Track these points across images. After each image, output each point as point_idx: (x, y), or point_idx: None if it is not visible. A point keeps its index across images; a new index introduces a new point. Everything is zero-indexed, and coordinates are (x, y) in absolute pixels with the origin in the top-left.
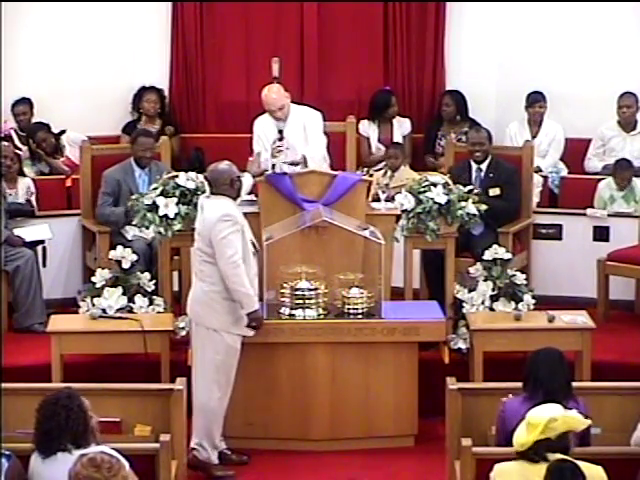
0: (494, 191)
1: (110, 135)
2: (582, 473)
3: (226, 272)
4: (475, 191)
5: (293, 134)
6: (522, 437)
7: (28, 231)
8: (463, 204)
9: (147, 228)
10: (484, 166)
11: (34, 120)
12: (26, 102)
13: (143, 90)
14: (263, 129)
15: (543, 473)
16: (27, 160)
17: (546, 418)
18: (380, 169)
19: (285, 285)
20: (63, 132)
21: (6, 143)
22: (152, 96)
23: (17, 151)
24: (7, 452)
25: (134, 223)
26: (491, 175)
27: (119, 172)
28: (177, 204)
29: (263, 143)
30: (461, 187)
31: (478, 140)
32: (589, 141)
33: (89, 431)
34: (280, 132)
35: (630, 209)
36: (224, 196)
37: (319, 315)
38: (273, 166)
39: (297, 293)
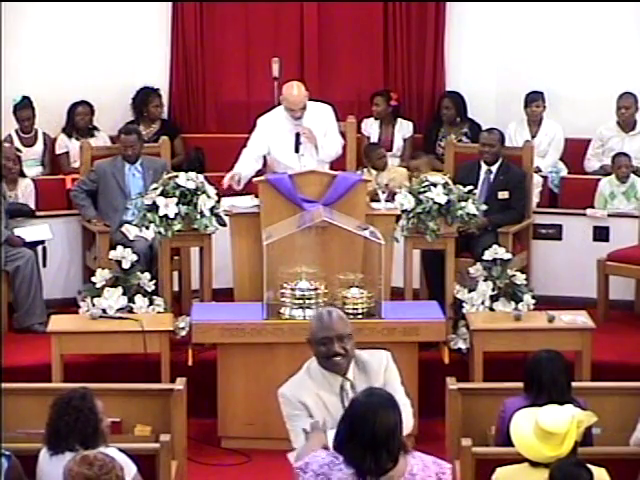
0: (503, 194)
1: (110, 135)
2: (587, 468)
3: None
4: (475, 193)
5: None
6: (544, 449)
7: (28, 231)
8: (463, 204)
9: (147, 228)
10: (494, 168)
11: (36, 123)
12: (29, 106)
13: (148, 94)
14: (272, 127)
15: (545, 476)
16: (29, 161)
17: (567, 424)
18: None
19: (285, 285)
20: (98, 130)
21: (8, 145)
22: (157, 100)
23: (18, 153)
24: (7, 452)
25: (134, 223)
26: (501, 178)
27: (109, 164)
28: (177, 204)
29: (267, 144)
30: (461, 187)
31: (488, 141)
32: (589, 141)
33: (98, 434)
34: (297, 135)
35: (630, 206)
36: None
37: None
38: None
39: (297, 293)
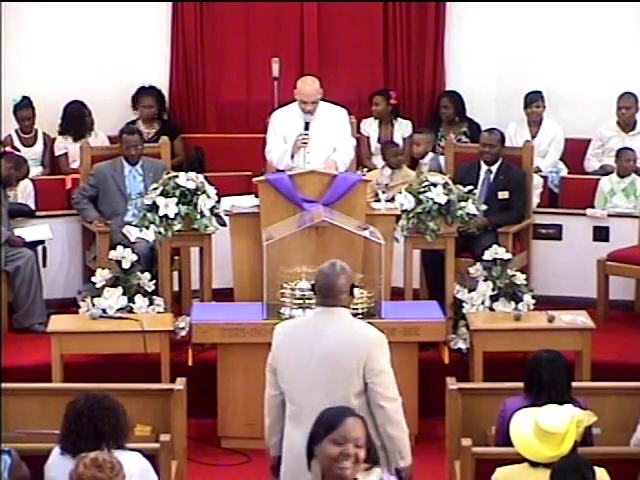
0: (503, 194)
1: (110, 135)
2: (591, 467)
3: (392, 416)
4: (475, 193)
5: (320, 129)
6: (544, 449)
7: (28, 231)
8: (463, 204)
9: (147, 228)
10: (494, 168)
11: (36, 123)
12: (29, 106)
13: (140, 93)
14: (284, 122)
15: (545, 476)
16: (29, 161)
17: (566, 424)
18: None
19: (285, 285)
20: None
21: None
22: (148, 100)
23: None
24: (7, 449)
25: (134, 224)
26: (501, 178)
27: (108, 167)
28: (177, 204)
29: (284, 136)
30: (461, 187)
31: (489, 141)
32: (589, 141)
33: (129, 434)
34: (307, 124)
35: (630, 204)
36: (344, 308)
37: None
38: (292, 156)
39: (297, 293)
